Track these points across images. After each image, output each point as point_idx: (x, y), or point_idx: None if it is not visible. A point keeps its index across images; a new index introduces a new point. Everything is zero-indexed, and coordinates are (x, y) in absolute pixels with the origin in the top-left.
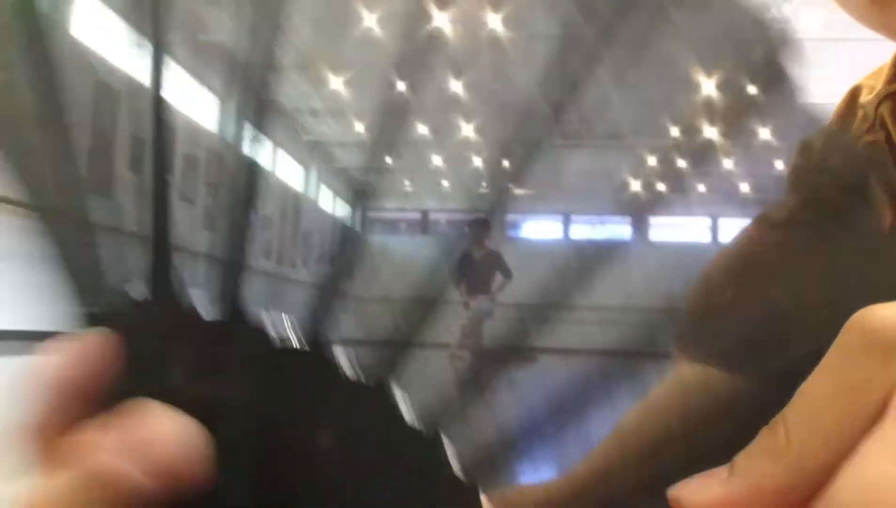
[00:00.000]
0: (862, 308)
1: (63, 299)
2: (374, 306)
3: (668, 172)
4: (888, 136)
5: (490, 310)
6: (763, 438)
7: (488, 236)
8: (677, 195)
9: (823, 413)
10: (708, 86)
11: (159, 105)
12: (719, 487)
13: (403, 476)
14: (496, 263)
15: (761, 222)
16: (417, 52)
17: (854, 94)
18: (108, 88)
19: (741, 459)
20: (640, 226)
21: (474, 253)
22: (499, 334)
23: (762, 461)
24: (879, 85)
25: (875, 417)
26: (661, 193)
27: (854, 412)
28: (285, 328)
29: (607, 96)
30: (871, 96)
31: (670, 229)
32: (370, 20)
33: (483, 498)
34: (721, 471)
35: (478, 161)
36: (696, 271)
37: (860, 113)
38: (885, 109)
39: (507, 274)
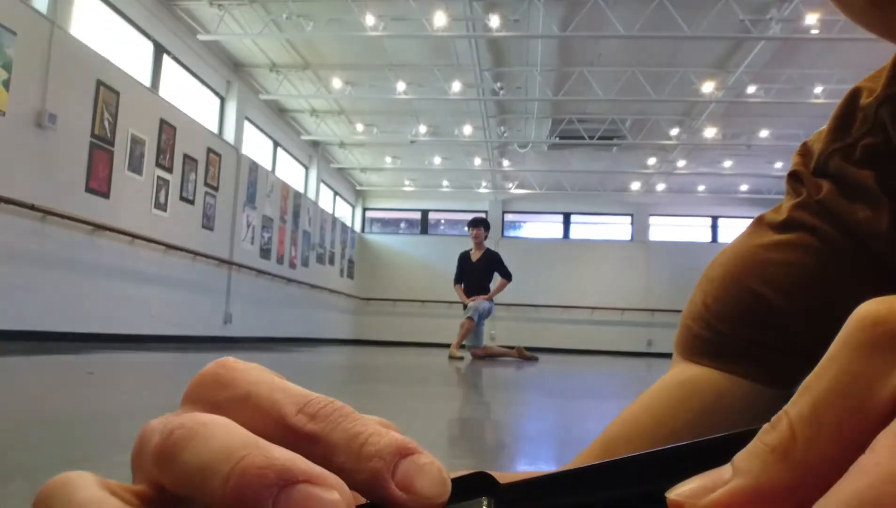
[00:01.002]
0: (865, 301)
1: None
2: (376, 306)
3: (668, 171)
4: (888, 138)
5: (489, 310)
6: (765, 435)
7: (487, 235)
8: (677, 195)
9: (830, 408)
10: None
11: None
12: (723, 489)
13: None
14: (494, 263)
15: (760, 224)
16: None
17: (854, 96)
18: (108, 88)
19: (743, 458)
20: (640, 225)
21: (472, 253)
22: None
23: (766, 459)
24: (879, 88)
25: (884, 411)
26: (661, 192)
27: (862, 406)
28: None
29: (606, 96)
30: (870, 99)
31: (670, 228)
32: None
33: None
34: (722, 471)
35: (478, 161)
36: (696, 270)
37: (860, 115)
38: (884, 112)
39: (506, 275)
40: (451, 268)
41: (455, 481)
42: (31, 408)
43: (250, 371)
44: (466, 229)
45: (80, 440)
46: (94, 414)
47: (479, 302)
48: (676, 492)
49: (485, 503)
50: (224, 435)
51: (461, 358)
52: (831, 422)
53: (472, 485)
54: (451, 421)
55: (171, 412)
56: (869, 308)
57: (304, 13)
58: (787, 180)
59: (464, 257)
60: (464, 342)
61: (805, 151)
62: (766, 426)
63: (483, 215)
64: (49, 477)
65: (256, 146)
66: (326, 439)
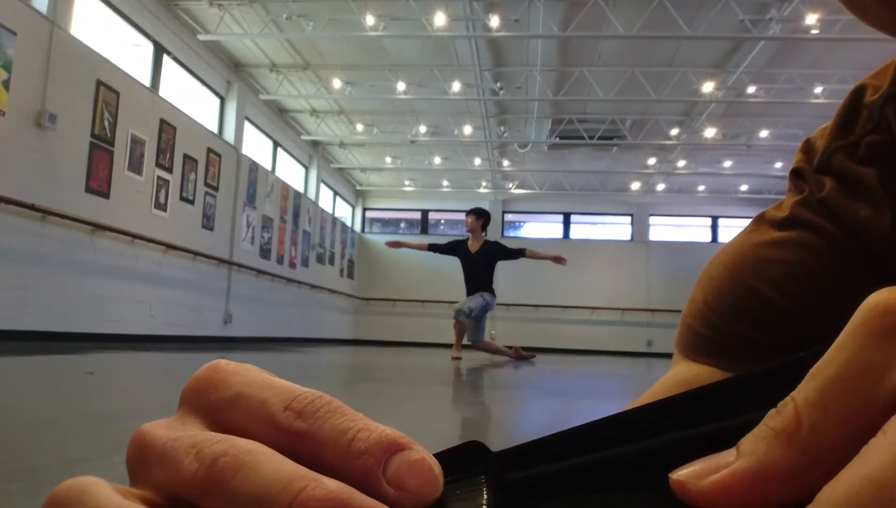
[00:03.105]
0: (874, 292)
1: None
2: (377, 306)
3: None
4: (892, 136)
5: (486, 306)
6: (771, 419)
7: (485, 226)
8: (677, 195)
9: (837, 394)
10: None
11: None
12: (725, 470)
13: None
14: (498, 252)
15: (761, 221)
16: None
17: (858, 93)
18: (108, 88)
19: (747, 441)
20: (640, 225)
21: (470, 244)
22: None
23: (770, 442)
24: (885, 85)
25: (892, 399)
26: (661, 192)
27: (870, 393)
28: None
29: (606, 96)
30: (876, 96)
31: (670, 228)
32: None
33: None
34: (726, 454)
35: (478, 161)
36: (695, 270)
37: (864, 113)
38: (889, 110)
39: (518, 253)
40: (452, 268)
41: (448, 453)
42: (31, 408)
43: (241, 372)
44: (465, 216)
45: (80, 440)
46: (94, 414)
47: (465, 302)
48: (679, 473)
49: (483, 484)
50: (273, 465)
51: (460, 359)
52: (838, 408)
53: (464, 457)
54: (451, 421)
55: (166, 418)
56: (880, 297)
57: (304, 13)
58: (789, 177)
59: (460, 244)
60: (466, 342)
61: (808, 148)
62: (772, 411)
63: (482, 207)
64: (50, 478)
65: (256, 146)
66: (314, 436)
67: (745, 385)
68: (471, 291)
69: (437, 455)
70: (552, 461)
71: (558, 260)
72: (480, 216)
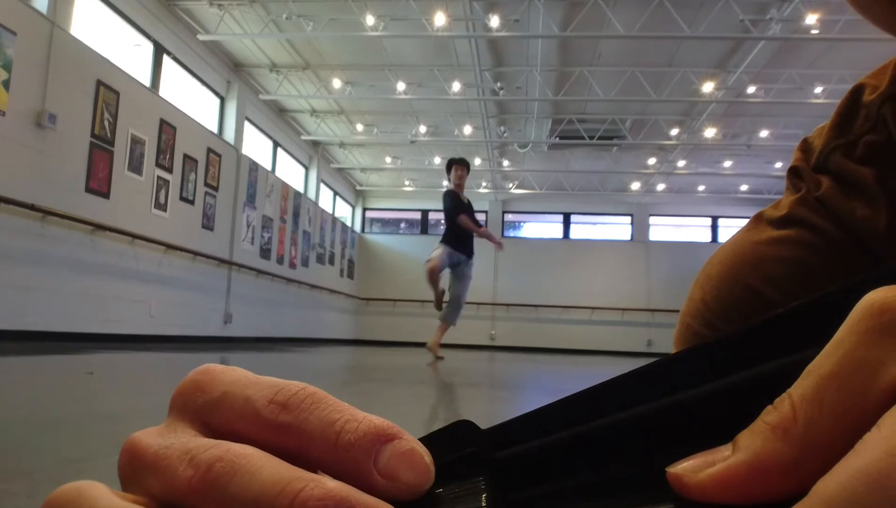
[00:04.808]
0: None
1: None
2: (377, 306)
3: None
4: (890, 136)
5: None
6: (767, 415)
7: (468, 175)
8: (677, 195)
9: (832, 390)
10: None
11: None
12: (721, 464)
13: None
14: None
15: (759, 220)
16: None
17: (857, 92)
18: (108, 88)
19: (744, 436)
20: (640, 225)
21: (462, 195)
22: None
23: (766, 437)
24: (883, 84)
25: (887, 395)
26: (661, 192)
27: (865, 389)
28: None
29: (606, 96)
30: (874, 96)
31: (670, 228)
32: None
33: None
34: (723, 449)
35: (478, 161)
36: (695, 270)
37: (862, 112)
38: (887, 110)
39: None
40: None
41: (439, 433)
42: (31, 408)
43: (227, 373)
44: (450, 170)
45: (80, 440)
46: (94, 414)
47: (455, 294)
48: (676, 467)
49: (482, 483)
50: (270, 467)
51: (442, 358)
52: (833, 403)
53: (455, 436)
54: (450, 422)
55: (157, 426)
56: (876, 296)
57: (304, 13)
58: (787, 176)
59: (456, 196)
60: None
61: (806, 147)
62: (768, 407)
63: (463, 157)
64: (50, 478)
65: (256, 146)
66: (300, 429)
67: (726, 348)
68: (461, 245)
69: (428, 436)
70: (541, 435)
71: (491, 239)
72: (469, 169)
